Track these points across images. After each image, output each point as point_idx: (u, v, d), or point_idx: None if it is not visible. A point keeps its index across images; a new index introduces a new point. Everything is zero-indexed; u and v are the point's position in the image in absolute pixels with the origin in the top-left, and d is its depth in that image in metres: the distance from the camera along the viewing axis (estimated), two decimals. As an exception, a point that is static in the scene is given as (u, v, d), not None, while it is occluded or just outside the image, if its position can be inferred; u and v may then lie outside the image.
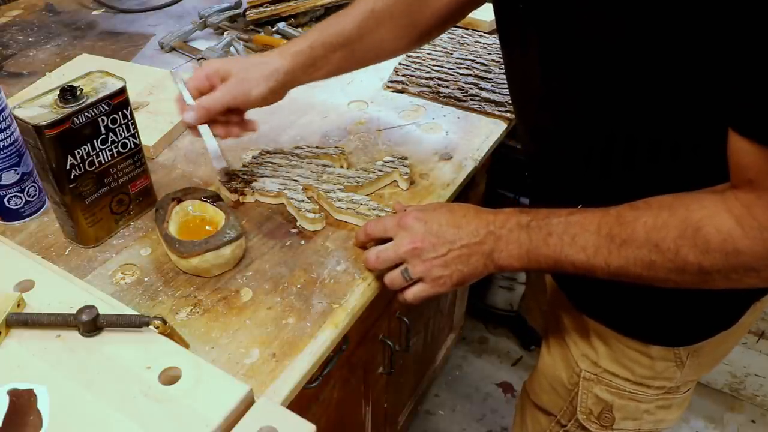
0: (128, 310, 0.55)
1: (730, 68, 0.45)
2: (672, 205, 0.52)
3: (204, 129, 0.71)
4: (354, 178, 0.78)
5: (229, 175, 0.77)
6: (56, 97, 0.63)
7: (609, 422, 0.77)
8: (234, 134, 0.73)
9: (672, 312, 0.67)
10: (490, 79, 1.02)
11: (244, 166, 0.81)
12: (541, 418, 0.86)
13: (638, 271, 0.53)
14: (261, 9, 1.18)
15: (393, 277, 0.64)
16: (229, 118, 0.73)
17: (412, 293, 0.64)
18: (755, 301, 0.68)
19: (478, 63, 1.06)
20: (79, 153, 0.65)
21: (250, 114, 0.75)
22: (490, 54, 1.09)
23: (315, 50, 0.73)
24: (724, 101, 0.47)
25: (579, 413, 0.78)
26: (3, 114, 0.68)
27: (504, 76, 1.02)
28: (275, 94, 0.72)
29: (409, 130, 0.92)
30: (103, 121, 0.66)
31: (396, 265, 0.64)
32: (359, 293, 0.65)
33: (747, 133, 0.46)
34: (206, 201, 0.72)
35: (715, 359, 0.76)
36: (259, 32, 1.19)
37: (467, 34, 1.17)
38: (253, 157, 0.82)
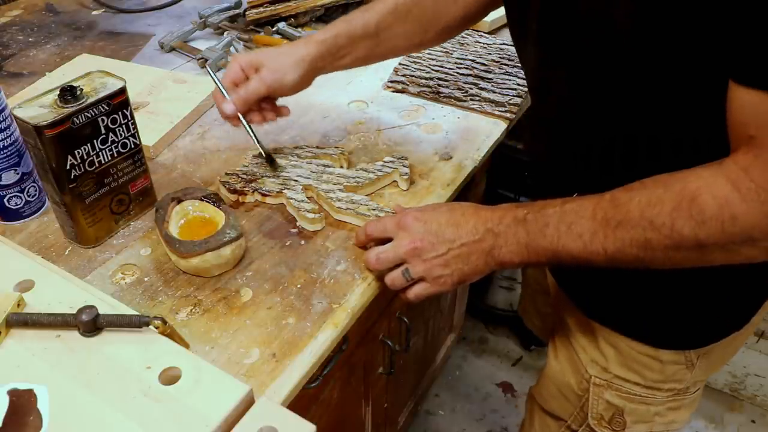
0: (128, 310, 0.55)
1: (732, 21, 0.45)
2: (667, 182, 0.51)
3: (241, 117, 0.76)
4: (354, 178, 0.78)
5: (269, 158, 0.80)
6: (56, 97, 0.63)
7: (620, 426, 0.77)
8: (269, 119, 0.79)
9: (683, 315, 0.66)
10: (490, 79, 1.02)
11: (244, 165, 0.81)
12: (550, 423, 0.86)
13: (635, 252, 0.52)
14: (261, 9, 1.18)
15: (394, 278, 0.64)
16: (263, 105, 0.78)
17: (413, 293, 0.64)
18: (766, 299, 0.68)
19: (478, 63, 1.06)
20: (79, 153, 0.65)
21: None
22: (490, 54, 1.09)
23: (339, 39, 0.76)
24: (728, 56, 0.46)
25: (590, 419, 0.78)
26: (3, 114, 0.68)
27: (504, 76, 1.02)
28: (304, 80, 0.77)
29: (409, 130, 0.92)
30: (103, 121, 0.66)
31: (397, 265, 0.64)
32: (359, 293, 0.65)
33: (748, 80, 0.45)
34: (206, 201, 0.72)
35: (724, 359, 0.76)
36: (259, 32, 1.19)
37: (467, 34, 1.17)
38: (254, 157, 0.82)
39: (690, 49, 0.50)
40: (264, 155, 0.79)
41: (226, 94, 0.75)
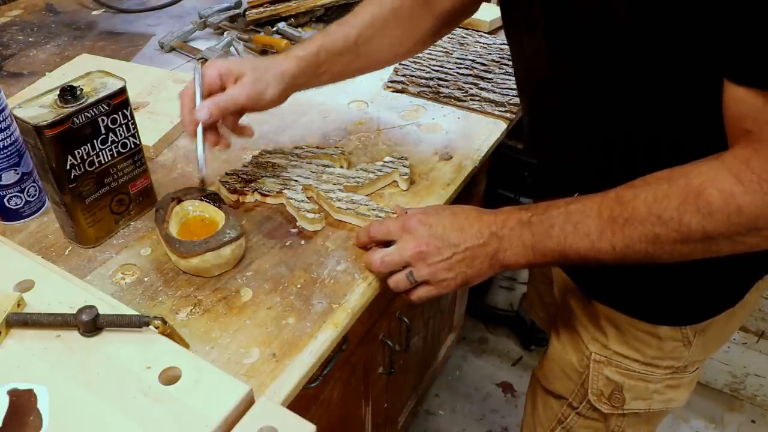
0: (128, 310, 0.55)
1: (728, 21, 0.45)
2: (670, 177, 0.52)
3: (198, 131, 0.68)
4: (354, 178, 0.78)
5: (203, 183, 0.73)
6: (56, 97, 0.63)
7: (619, 403, 0.78)
8: (224, 144, 0.71)
9: (679, 292, 0.68)
10: (490, 79, 1.02)
11: (244, 166, 0.81)
12: (552, 403, 0.87)
13: (644, 248, 0.53)
14: (261, 9, 1.18)
15: (398, 280, 0.64)
16: (225, 121, 0.71)
17: (416, 295, 0.64)
18: (758, 278, 0.69)
19: (478, 63, 1.06)
20: (79, 153, 0.65)
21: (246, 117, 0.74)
22: (490, 54, 1.09)
23: (320, 56, 0.74)
24: (722, 54, 0.47)
25: (590, 395, 0.79)
26: (3, 114, 0.68)
27: (504, 76, 1.02)
28: (282, 96, 0.73)
29: (409, 130, 0.92)
30: (103, 121, 0.66)
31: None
32: (359, 293, 0.65)
33: (743, 79, 0.46)
34: (206, 201, 0.72)
35: (720, 338, 0.77)
36: (259, 32, 1.19)
37: (467, 34, 1.17)
38: (253, 157, 0.82)
39: (686, 45, 0.50)
40: (202, 179, 0.72)
41: (199, 99, 0.68)
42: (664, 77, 0.54)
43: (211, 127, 0.69)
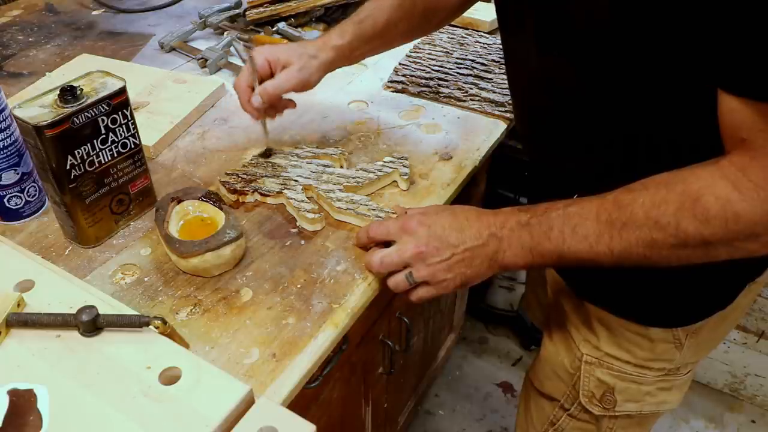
0: (128, 310, 0.55)
1: (720, 30, 0.45)
2: (669, 182, 0.52)
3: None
4: (354, 178, 0.78)
5: (269, 153, 0.83)
6: (56, 97, 0.63)
7: (611, 404, 0.78)
8: (278, 114, 0.83)
9: (669, 293, 0.68)
10: (490, 79, 1.02)
11: (244, 166, 0.81)
12: (544, 405, 0.87)
13: (642, 252, 0.53)
14: (261, 9, 1.18)
15: (397, 281, 0.64)
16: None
17: (416, 295, 0.64)
18: (749, 281, 0.69)
19: (478, 63, 1.06)
20: (79, 153, 0.65)
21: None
22: (490, 54, 1.09)
23: (353, 44, 0.80)
24: (714, 65, 0.47)
25: (581, 396, 0.79)
26: (3, 114, 0.68)
27: (504, 76, 1.02)
28: (320, 80, 0.80)
29: (409, 130, 0.92)
30: (103, 121, 0.66)
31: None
32: (359, 293, 0.65)
33: (737, 90, 0.47)
34: (206, 201, 0.72)
35: (713, 341, 0.77)
36: (259, 32, 1.19)
37: (467, 34, 1.17)
38: (253, 157, 0.82)
39: (675, 50, 0.50)
40: (266, 150, 0.83)
41: (257, 87, 0.76)
42: (655, 80, 0.54)
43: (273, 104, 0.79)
